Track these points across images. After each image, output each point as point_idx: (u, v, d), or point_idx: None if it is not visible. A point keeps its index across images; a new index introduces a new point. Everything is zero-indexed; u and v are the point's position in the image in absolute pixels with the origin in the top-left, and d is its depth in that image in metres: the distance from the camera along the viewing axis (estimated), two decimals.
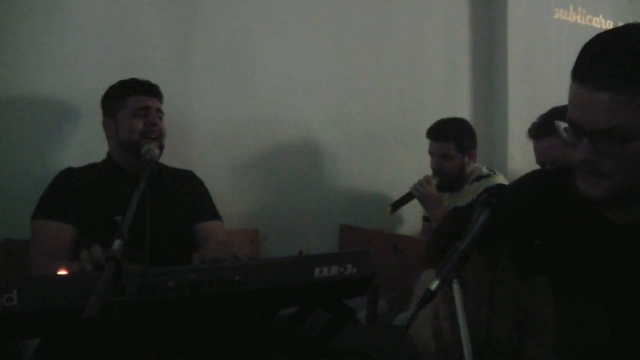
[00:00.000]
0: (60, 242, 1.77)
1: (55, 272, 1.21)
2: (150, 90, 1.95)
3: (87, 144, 2.16)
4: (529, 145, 2.11)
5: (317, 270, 1.21)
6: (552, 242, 1.13)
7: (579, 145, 0.99)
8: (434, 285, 0.88)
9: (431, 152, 2.56)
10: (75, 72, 2.22)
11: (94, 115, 1.97)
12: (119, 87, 1.95)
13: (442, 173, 2.51)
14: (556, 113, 1.96)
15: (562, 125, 1.03)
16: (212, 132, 2.52)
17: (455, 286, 0.87)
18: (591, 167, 1.00)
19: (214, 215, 2.03)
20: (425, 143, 2.57)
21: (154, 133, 1.89)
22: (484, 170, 2.55)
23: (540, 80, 3.22)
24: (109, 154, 1.97)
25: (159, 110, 1.95)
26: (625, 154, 0.96)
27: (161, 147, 1.91)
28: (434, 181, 2.49)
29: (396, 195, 2.59)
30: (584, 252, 1.09)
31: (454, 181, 2.54)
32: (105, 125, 1.96)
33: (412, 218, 2.92)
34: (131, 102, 1.90)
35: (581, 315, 1.04)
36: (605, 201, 1.04)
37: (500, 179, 2.49)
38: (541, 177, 1.26)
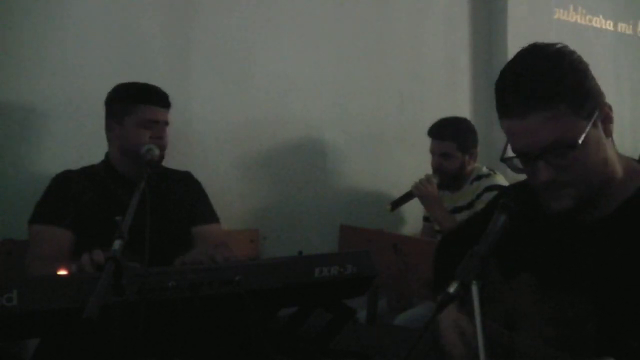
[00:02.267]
0: (58, 247, 1.75)
1: (55, 272, 1.21)
2: (162, 101, 1.91)
3: (87, 145, 2.16)
4: None
5: (317, 270, 1.21)
6: (532, 242, 1.15)
7: (536, 169, 1.05)
8: (453, 288, 0.89)
9: (432, 151, 2.56)
10: (75, 73, 2.22)
11: (94, 117, 1.96)
12: (131, 90, 1.90)
13: (442, 172, 2.51)
14: None
15: (513, 158, 1.08)
16: (212, 133, 2.51)
17: (474, 288, 0.87)
18: (554, 184, 1.05)
19: (212, 217, 2.03)
20: (426, 143, 2.56)
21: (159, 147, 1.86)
22: (484, 169, 2.54)
23: None
24: (107, 156, 1.95)
25: (166, 123, 1.92)
26: (574, 160, 1.02)
27: (161, 157, 1.88)
28: (435, 180, 2.49)
29: (396, 195, 2.59)
30: (561, 250, 1.12)
31: (453, 180, 2.54)
32: (109, 127, 1.91)
33: (412, 218, 2.92)
34: (141, 110, 1.86)
35: (567, 310, 1.05)
36: (576, 209, 1.07)
37: (500, 179, 2.49)
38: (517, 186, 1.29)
